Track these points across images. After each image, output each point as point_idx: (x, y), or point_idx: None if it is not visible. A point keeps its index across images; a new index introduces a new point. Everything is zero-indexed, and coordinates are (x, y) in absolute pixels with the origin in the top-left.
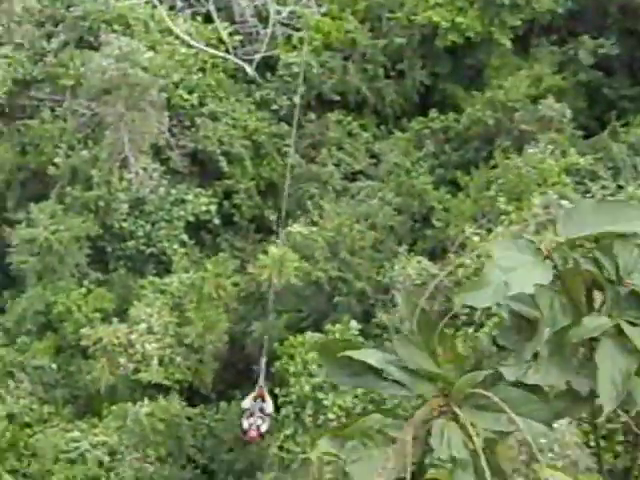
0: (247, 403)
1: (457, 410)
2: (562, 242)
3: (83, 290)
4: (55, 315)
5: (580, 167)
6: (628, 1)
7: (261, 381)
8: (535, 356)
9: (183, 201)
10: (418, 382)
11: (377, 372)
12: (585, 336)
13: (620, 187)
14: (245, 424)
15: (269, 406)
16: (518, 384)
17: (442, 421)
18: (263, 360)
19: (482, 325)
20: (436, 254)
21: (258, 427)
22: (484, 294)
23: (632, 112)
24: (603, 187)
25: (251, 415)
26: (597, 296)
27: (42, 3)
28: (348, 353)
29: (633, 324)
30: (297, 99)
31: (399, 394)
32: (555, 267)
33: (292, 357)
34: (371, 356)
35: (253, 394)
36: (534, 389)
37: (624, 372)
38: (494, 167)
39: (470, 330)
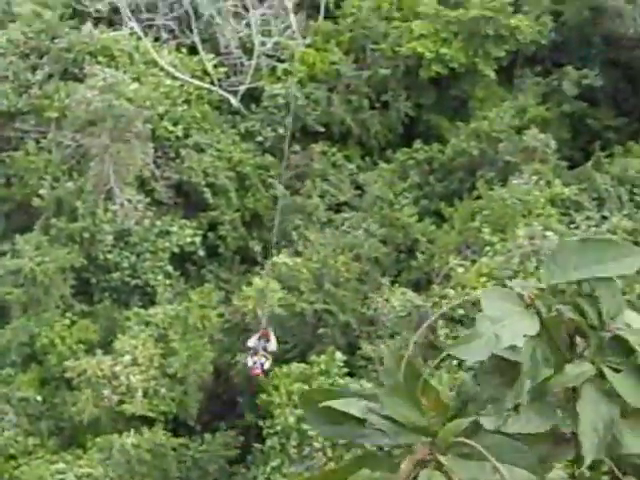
0: (252, 342)
1: (442, 459)
2: (544, 289)
3: (67, 322)
4: (39, 347)
5: (565, 198)
6: (612, 32)
7: (264, 323)
8: (516, 406)
9: (168, 232)
10: (402, 431)
11: (359, 421)
12: (567, 384)
13: (604, 218)
14: (250, 362)
15: (272, 345)
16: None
17: (428, 471)
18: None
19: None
20: (421, 285)
21: (262, 364)
22: (476, 347)
23: (616, 143)
24: (587, 218)
25: (255, 354)
26: (578, 341)
27: (27, 35)
28: (329, 403)
29: (616, 370)
30: (286, 130)
31: (382, 443)
32: (539, 315)
33: (277, 388)
34: (353, 405)
35: (258, 334)
36: (516, 435)
37: (607, 420)
38: (478, 198)
39: (454, 362)
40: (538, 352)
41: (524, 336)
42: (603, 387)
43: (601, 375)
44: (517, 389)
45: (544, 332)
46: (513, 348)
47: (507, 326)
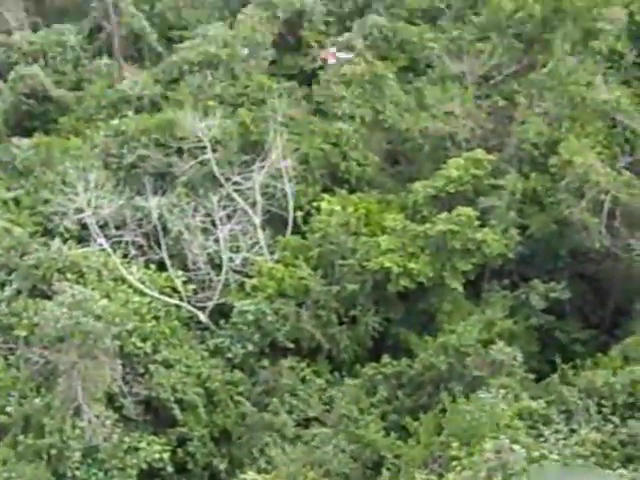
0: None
1: None
2: None
3: None
4: None
5: (532, 411)
6: (578, 245)
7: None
8: None
9: (136, 449)
10: None
11: None
12: None
13: (573, 431)
14: (322, 53)
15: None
16: None
17: None
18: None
19: None
20: None
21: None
22: None
23: (584, 355)
24: (556, 431)
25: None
26: None
27: None
28: None
29: None
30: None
31: None
32: None
33: None
34: None
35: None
36: None
37: None
38: (444, 411)
39: None
40: None
41: None
42: None
43: None
44: None
45: None
46: None
47: None
